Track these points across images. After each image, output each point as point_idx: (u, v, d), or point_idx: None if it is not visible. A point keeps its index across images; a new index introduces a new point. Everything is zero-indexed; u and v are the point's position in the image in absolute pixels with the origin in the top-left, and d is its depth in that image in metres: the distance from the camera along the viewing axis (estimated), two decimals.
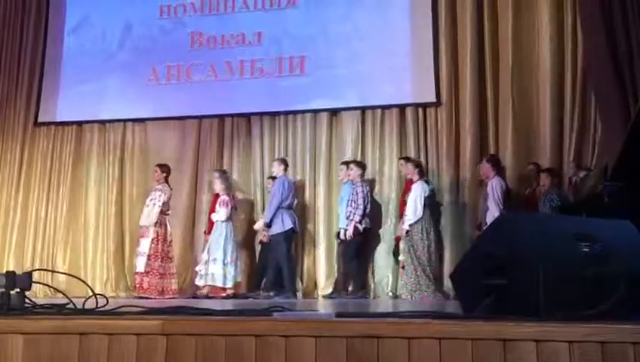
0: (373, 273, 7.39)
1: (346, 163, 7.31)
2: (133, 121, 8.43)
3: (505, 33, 7.40)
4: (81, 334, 1.86)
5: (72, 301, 2.31)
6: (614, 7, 5.97)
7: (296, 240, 7.48)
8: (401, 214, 7.09)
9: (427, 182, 7.01)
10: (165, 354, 1.81)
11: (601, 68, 6.09)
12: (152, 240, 7.11)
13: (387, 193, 7.55)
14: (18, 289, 2.23)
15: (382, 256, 7.39)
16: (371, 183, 7.53)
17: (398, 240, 7.06)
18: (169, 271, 7.20)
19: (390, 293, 7.16)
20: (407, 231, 6.82)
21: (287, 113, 8.01)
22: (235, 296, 7.14)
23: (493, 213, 6.55)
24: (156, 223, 7.15)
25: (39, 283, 2.76)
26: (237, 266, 7.23)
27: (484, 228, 6.57)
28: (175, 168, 8.10)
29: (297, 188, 7.63)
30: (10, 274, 2.21)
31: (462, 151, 7.34)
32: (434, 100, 7.51)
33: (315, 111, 7.90)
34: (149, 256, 7.05)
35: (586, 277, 1.95)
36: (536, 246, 1.97)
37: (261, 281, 7.31)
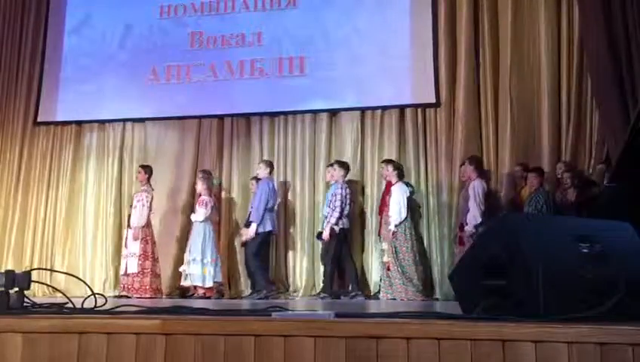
0: (359, 274, 7.37)
1: (331, 164, 7.35)
2: (133, 120, 8.42)
3: (504, 34, 7.40)
4: (80, 333, 1.86)
5: (71, 300, 2.31)
6: (614, 8, 5.98)
7: (275, 240, 7.56)
8: (380, 215, 7.17)
9: (407, 183, 7.10)
10: (164, 353, 1.81)
11: (601, 69, 6.10)
12: (142, 240, 7.24)
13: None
14: (17, 289, 2.23)
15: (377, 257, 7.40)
16: (365, 185, 7.56)
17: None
18: (156, 271, 7.35)
19: (380, 295, 7.14)
20: (394, 233, 6.86)
21: (286, 113, 8.00)
22: (214, 295, 7.22)
23: (473, 214, 6.65)
24: (146, 224, 7.29)
25: (38, 282, 2.76)
26: (217, 266, 7.29)
27: (466, 228, 6.71)
28: (175, 168, 8.13)
29: (284, 190, 7.76)
30: (9, 274, 2.21)
31: (461, 152, 7.33)
32: (433, 101, 7.50)
33: (315, 112, 7.90)
34: (139, 256, 7.18)
35: (585, 278, 1.95)
36: (536, 246, 1.97)
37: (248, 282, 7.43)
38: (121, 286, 7.21)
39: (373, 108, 7.74)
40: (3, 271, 2.26)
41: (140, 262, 7.17)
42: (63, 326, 1.89)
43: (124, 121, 8.43)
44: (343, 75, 7.77)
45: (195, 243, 7.23)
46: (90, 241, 8.17)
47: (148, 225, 7.34)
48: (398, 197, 6.91)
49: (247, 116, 8.12)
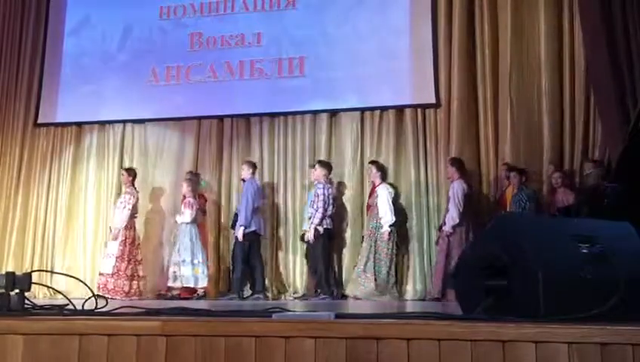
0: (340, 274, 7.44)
1: (313, 164, 7.41)
2: (133, 121, 8.43)
3: (504, 35, 7.40)
4: (81, 335, 1.86)
5: (71, 302, 2.31)
6: (614, 11, 5.99)
7: (260, 241, 7.52)
8: (368, 213, 7.24)
9: (390, 184, 7.19)
10: (165, 354, 1.81)
11: (601, 71, 6.11)
12: (121, 242, 7.33)
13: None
14: (18, 290, 2.23)
15: None
16: (364, 185, 7.57)
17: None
18: (137, 273, 7.42)
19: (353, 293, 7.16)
20: (372, 232, 6.97)
21: (286, 114, 8.01)
22: (205, 296, 7.27)
23: (452, 215, 6.76)
24: (126, 226, 7.37)
25: (39, 284, 2.76)
26: (207, 267, 7.36)
27: (444, 228, 6.81)
28: (175, 169, 8.13)
29: (284, 190, 7.81)
30: (9, 275, 2.21)
31: (460, 152, 7.32)
32: (433, 102, 7.51)
33: (315, 113, 7.90)
34: (116, 257, 7.26)
35: (585, 278, 1.95)
36: (536, 247, 1.97)
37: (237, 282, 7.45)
38: (97, 284, 7.23)
39: (373, 109, 7.74)
40: (3, 272, 2.26)
41: (116, 264, 7.26)
42: (64, 327, 1.89)
43: (124, 122, 8.44)
44: (342, 76, 7.77)
45: (184, 244, 7.30)
46: (90, 243, 8.17)
47: (129, 227, 7.43)
48: (385, 198, 7.01)
49: (246, 117, 8.13)
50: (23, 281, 2.24)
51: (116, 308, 2.19)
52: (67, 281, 7.10)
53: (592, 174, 6.34)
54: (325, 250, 7.11)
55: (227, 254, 7.79)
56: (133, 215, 7.52)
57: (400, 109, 7.65)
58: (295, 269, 7.62)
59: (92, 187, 8.33)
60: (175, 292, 7.29)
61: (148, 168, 8.27)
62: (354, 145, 7.72)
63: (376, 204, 7.06)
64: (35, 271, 7.00)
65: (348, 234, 7.55)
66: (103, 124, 8.51)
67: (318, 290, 7.01)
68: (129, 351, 1.83)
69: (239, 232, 7.16)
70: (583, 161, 6.74)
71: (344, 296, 7.17)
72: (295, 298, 7.31)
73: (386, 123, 7.67)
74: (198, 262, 7.26)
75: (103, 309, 2.19)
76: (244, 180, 7.44)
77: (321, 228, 7.04)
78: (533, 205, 6.59)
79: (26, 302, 2.24)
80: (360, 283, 6.93)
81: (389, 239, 6.95)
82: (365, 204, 7.53)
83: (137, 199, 7.57)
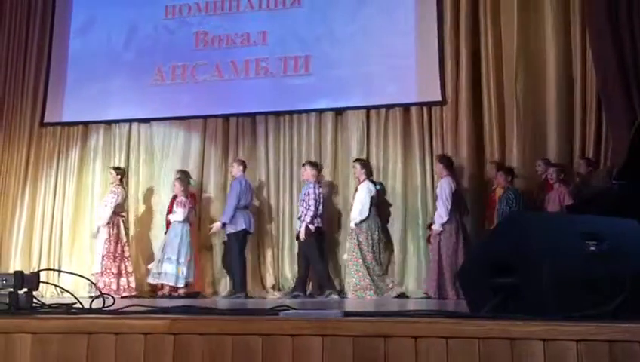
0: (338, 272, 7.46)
1: (303, 164, 7.47)
2: (139, 121, 8.44)
3: (510, 33, 7.36)
4: (89, 333, 1.86)
5: (79, 300, 2.32)
6: (620, 11, 5.97)
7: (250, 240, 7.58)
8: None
9: (373, 182, 7.20)
10: (173, 352, 1.82)
11: (608, 70, 6.09)
12: (105, 240, 7.44)
13: (391, 192, 7.53)
14: (26, 289, 2.24)
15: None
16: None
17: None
18: (125, 270, 7.49)
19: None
20: (354, 231, 7.00)
21: (292, 113, 8.00)
22: (187, 295, 7.30)
23: (440, 213, 6.79)
24: (108, 224, 7.47)
25: (47, 283, 2.78)
26: (191, 267, 7.40)
27: (433, 227, 6.84)
28: (180, 168, 8.13)
29: (289, 189, 7.81)
30: (18, 274, 2.22)
31: (466, 150, 7.31)
32: (439, 99, 7.48)
33: (320, 111, 7.89)
34: (103, 256, 7.38)
35: (593, 276, 1.94)
36: (544, 245, 1.96)
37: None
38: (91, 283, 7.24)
39: (378, 107, 7.73)
40: (11, 271, 2.27)
41: (104, 262, 7.36)
42: (72, 326, 1.89)
43: (130, 121, 8.45)
44: (348, 74, 7.76)
45: (172, 243, 7.35)
46: (96, 242, 8.18)
47: (111, 225, 7.50)
48: (361, 196, 7.04)
49: (252, 115, 8.12)
50: (32, 280, 2.25)
51: (124, 307, 2.19)
52: (74, 281, 7.17)
53: (601, 171, 6.32)
54: (319, 248, 7.17)
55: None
56: (118, 213, 7.60)
57: (406, 107, 7.63)
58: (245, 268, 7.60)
59: (98, 186, 8.34)
60: (158, 290, 7.37)
61: (154, 167, 8.28)
62: (359, 144, 7.71)
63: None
64: (42, 270, 7.03)
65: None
66: (109, 123, 8.52)
67: (326, 291, 6.99)
68: (137, 350, 1.83)
69: (216, 225, 7.31)
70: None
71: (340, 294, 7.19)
72: (293, 296, 7.32)
73: (392, 121, 7.65)
74: (182, 261, 7.32)
75: (111, 308, 2.20)
76: (234, 178, 7.51)
77: (312, 227, 7.09)
78: (521, 202, 6.64)
79: (35, 300, 2.25)
80: (350, 280, 6.96)
81: (367, 236, 6.97)
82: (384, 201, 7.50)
83: (123, 198, 7.68)
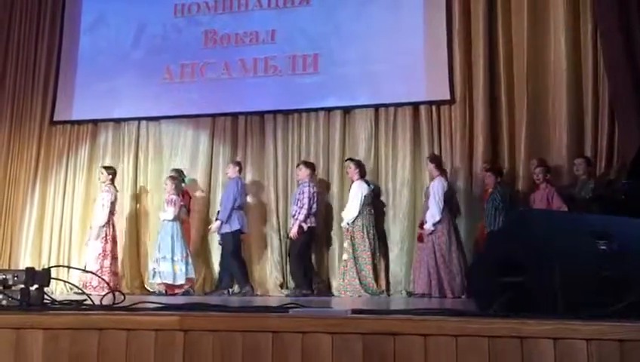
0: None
1: (298, 164, 7.55)
2: (148, 119, 8.47)
3: (520, 31, 7.33)
4: (100, 329, 1.88)
5: (90, 297, 2.34)
6: (631, 9, 5.94)
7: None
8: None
9: (367, 182, 7.25)
10: (183, 349, 1.83)
11: (618, 69, 6.06)
12: (102, 239, 7.51)
13: (399, 190, 7.52)
14: (37, 286, 2.26)
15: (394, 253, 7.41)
16: (379, 182, 7.59)
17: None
18: (118, 269, 7.62)
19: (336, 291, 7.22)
20: (348, 230, 7.06)
21: (300, 111, 8.00)
22: (187, 292, 7.33)
23: (432, 212, 6.83)
24: (106, 224, 7.56)
25: (57, 279, 2.80)
26: (188, 263, 7.43)
27: (425, 226, 6.87)
28: (189, 166, 8.17)
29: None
30: (29, 271, 2.24)
31: (475, 149, 7.29)
32: (448, 98, 7.46)
33: (329, 110, 7.89)
34: (98, 254, 7.44)
35: (603, 275, 1.94)
36: (554, 244, 1.96)
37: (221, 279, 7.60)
38: (81, 282, 7.21)
39: (387, 106, 7.71)
40: (21, 268, 2.29)
41: (100, 261, 7.41)
42: (83, 322, 1.91)
43: (139, 119, 8.48)
44: (356, 73, 7.75)
45: (165, 241, 7.39)
46: None
47: (108, 224, 7.59)
48: (354, 195, 7.09)
49: (260, 114, 8.13)
50: (43, 277, 2.27)
51: (134, 304, 2.21)
52: (81, 277, 7.21)
53: (612, 171, 6.30)
54: (307, 248, 7.22)
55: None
56: (112, 212, 7.66)
57: (415, 106, 7.61)
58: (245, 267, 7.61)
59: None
60: (158, 288, 7.38)
61: (163, 165, 8.30)
62: (368, 142, 7.71)
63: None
64: (53, 266, 7.07)
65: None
66: (118, 121, 8.56)
67: (298, 289, 7.05)
68: (147, 346, 1.85)
69: (214, 225, 7.36)
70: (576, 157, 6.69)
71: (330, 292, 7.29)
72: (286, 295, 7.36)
73: (401, 120, 7.63)
74: (178, 259, 7.36)
75: (121, 304, 2.21)
76: (230, 178, 7.55)
77: (305, 226, 7.14)
78: (508, 202, 6.64)
79: (45, 297, 2.27)
80: (344, 279, 6.99)
81: (362, 235, 7.01)
82: (378, 202, 7.55)
83: (116, 197, 7.73)
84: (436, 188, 6.84)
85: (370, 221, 7.14)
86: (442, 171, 7.01)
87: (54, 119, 8.69)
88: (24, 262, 8.08)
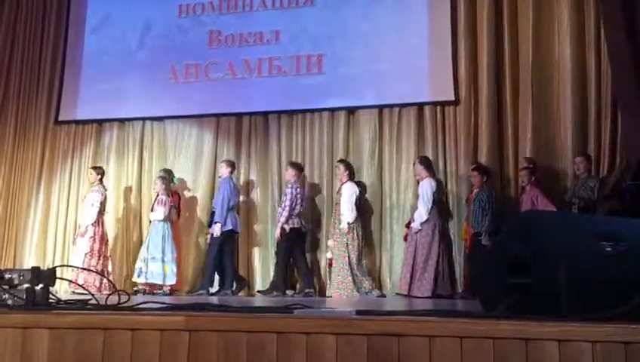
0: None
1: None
2: (152, 119, 8.49)
3: (525, 31, 7.32)
4: (105, 329, 1.88)
5: (95, 296, 2.34)
6: (636, 5, 5.92)
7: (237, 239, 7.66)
8: (334, 212, 7.31)
9: (357, 183, 7.29)
10: (188, 349, 1.83)
11: (623, 65, 6.04)
12: (90, 238, 7.50)
13: (404, 191, 7.52)
14: (42, 285, 2.26)
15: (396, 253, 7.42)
16: (383, 182, 7.62)
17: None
18: (106, 268, 7.58)
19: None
20: (347, 231, 7.04)
21: (304, 111, 8.01)
22: (174, 293, 7.37)
23: (420, 212, 6.91)
24: (94, 223, 7.55)
25: (63, 278, 2.80)
26: (177, 264, 7.45)
27: (412, 225, 6.93)
28: (193, 166, 8.18)
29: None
30: (35, 270, 2.25)
31: (480, 150, 7.29)
32: (452, 99, 7.46)
33: (333, 110, 7.89)
34: (85, 253, 7.43)
35: (609, 277, 1.93)
36: (560, 245, 1.95)
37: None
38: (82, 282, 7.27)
39: (391, 106, 7.72)
40: (26, 268, 2.30)
41: (86, 260, 7.40)
42: (88, 322, 1.91)
43: (144, 119, 8.50)
44: (360, 73, 7.75)
45: (155, 241, 7.41)
46: (110, 239, 8.23)
47: (97, 223, 7.59)
48: (349, 196, 7.10)
49: (264, 114, 8.14)
50: (48, 276, 2.27)
51: (139, 303, 2.21)
52: (82, 277, 7.23)
53: (614, 172, 6.28)
54: (289, 249, 7.20)
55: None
56: (101, 212, 7.67)
57: (420, 107, 7.61)
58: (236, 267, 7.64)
59: (112, 184, 8.39)
60: (140, 288, 7.38)
61: (167, 165, 8.31)
62: (372, 143, 7.70)
63: (339, 201, 7.18)
64: (58, 266, 7.09)
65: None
66: (122, 121, 8.58)
67: (273, 291, 7.06)
68: (152, 346, 1.85)
69: (216, 228, 7.29)
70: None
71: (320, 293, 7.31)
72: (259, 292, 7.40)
73: (406, 120, 7.63)
74: (168, 259, 7.38)
75: (126, 304, 2.22)
76: (222, 178, 7.55)
77: (287, 227, 7.15)
78: (494, 202, 6.67)
79: (51, 296, 2.28)
80: (335, 279, 7.00)
81: (351, 236, 7.02)
82: (382, 201, 7.55)
83: (105, 197, 7.74)
84: (425, 188, 6.91)
85: (359, 223, 7.16)
86: (431, 172, 7.06)
87: (59, 119, 8.71)
88: (29, 261, 8.11)
